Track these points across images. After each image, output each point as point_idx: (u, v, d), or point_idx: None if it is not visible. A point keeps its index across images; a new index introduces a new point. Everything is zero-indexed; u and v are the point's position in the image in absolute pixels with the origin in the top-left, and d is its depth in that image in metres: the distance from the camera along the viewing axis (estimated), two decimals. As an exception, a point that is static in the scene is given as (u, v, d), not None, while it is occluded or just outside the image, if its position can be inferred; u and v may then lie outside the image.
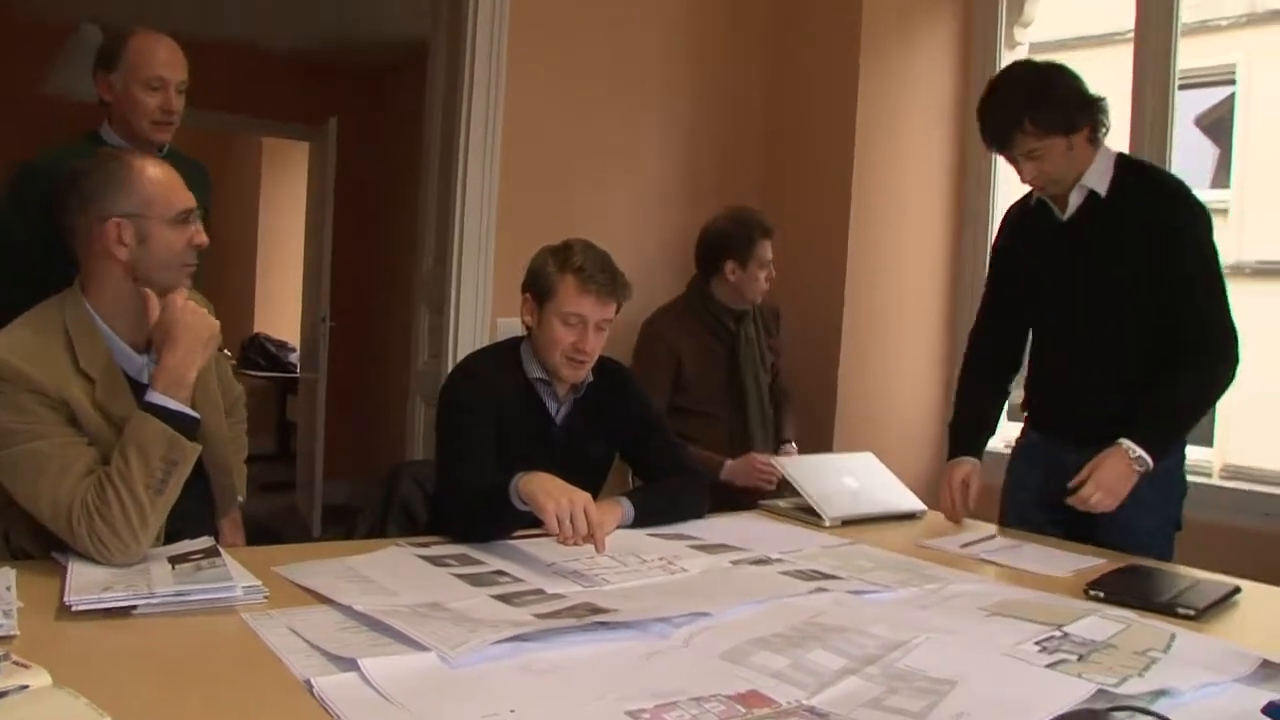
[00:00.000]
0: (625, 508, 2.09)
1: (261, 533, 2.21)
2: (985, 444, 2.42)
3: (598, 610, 1.47)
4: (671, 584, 1.70)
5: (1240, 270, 10.27)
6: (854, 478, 2.52)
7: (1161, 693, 1.22)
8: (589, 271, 2.12)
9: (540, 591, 1.60)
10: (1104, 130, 2.22)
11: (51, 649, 1.23)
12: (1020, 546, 2.14)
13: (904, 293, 3.62)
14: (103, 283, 1.74)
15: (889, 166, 3.60)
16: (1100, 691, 1.20)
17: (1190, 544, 2.26)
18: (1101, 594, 1.70)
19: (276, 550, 1.85)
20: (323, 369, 5.74)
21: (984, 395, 2.49)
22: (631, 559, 1.83)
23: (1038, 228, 2.35)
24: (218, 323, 1.79)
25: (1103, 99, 2.21)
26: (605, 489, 2.29)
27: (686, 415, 3.13)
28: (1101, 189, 2.22)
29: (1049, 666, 1.30)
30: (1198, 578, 1.85)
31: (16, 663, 1.14)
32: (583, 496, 1.76)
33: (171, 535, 1.70)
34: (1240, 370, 2.17)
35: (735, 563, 1.86)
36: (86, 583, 1.46)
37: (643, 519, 2.11)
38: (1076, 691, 1.21)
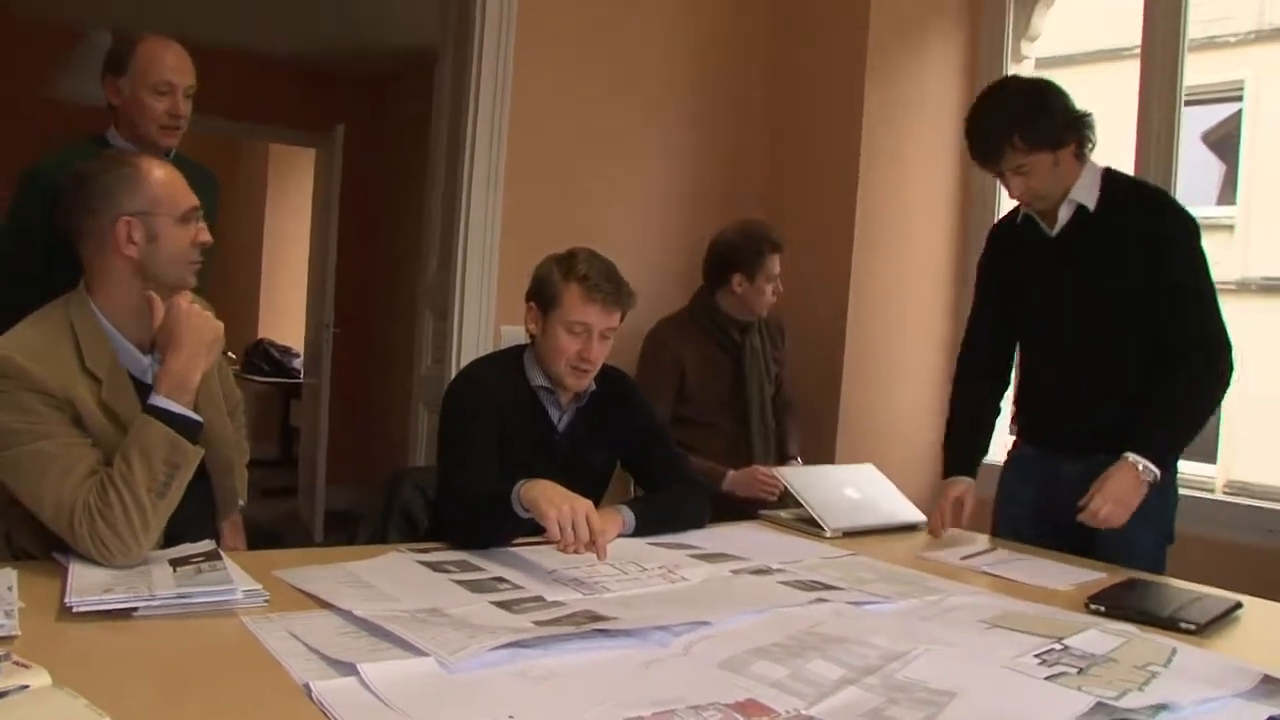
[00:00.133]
0: (626, 516, 2.10)
1: (263, 537, 2.22)
2: (979, 463, 2.42)
3: (597, 618, 1.47)
4: (671, 593, 1.70)
5: (1246, 286, 10.29)
6: (855, 489, 2.53)
7: (1162, 707, 1.22)
8: (594, 280, 2.12)
9: (540, 599, 1.60)
10: (1090, 146, 2.23)
11: (52, 650, 1.23)
12: (1021, 559, 2.14)
13: (907, 305, 3.62)
14: (110, 283, 1.75)
15: (894, 179, 3.61)
16: (1099, 705, 1.20)
17: (1192, 559, 2.26)
18: (1102, 608, 1.70)
19: (277, 554, 1.85)
20: (326, 375, 5.75)
21: (977, 413, 2.49)
22: (632, 567, 1.83)
23: (1026, 244, 2.35)
24: (222, 325, 1.79)
25: (1089, 115, 2.22)
26: (607, 498, 2.29)
27: (690, 425, 3.13)
28: (1090, 203, 2.23)
29: (1048, 679, 1.30)
30: (1199, 593, 1.85)
31: (17, 663, 1.14)
32: (584, 504, 1.76)
33: (172, 538, 1.70)
34: (1239, 380, 2.18)
35: (735, 572, 1.86)
36: (87, 584, 1.46)
37: (643, 528, 2.11)
38: (1076, 705, 1.21)
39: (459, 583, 1.68)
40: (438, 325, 3.59)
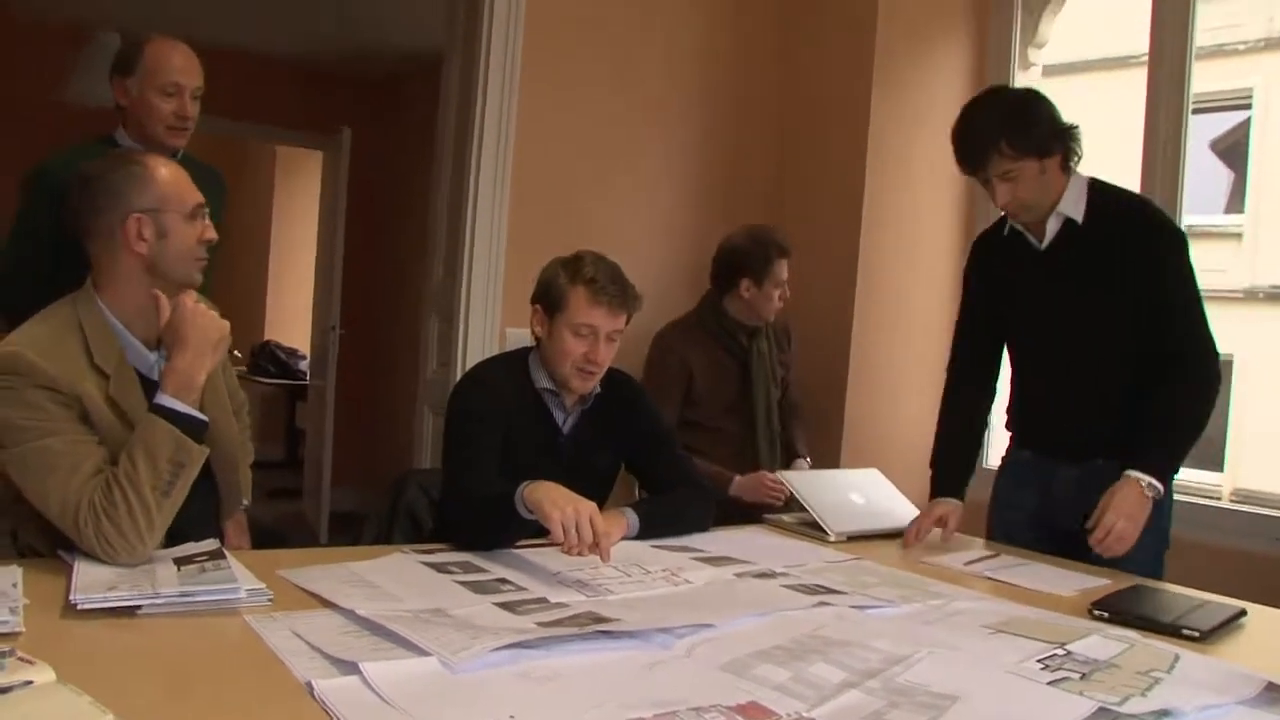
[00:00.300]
0: (630, 519, 2.10)
1: (267, 537, 2.22)
2: (967, 484, 2.41)
3: (600, 619, 1.47)
4: (675, 595, 1.70)
5: (1254, 295, 10.27)
6: (859, 493, 2.53)
7: (1164, 713, 1.22)
8: (600, 283, 2.13)
9: (543, 600, 1.60)
10: (1077, 158, 2.23)
11: (56, 646, 1.23)
12: (1024, 565, 2.13)
13: (913, 311, 3.63)
14: (118, 280, 1.76)
15: (900, 186, 3.61)
16: (1102, 710, 1.20)
17: (1197, 567, 2.25)
18: (1106, 614, 1.70)
19: (281, 554, 1.86)
20: (332, 377, 5.76)
21: (965, 432, 2.48)
22: (635, 570, 1.83)
23: (1014, 257, 2.34)
24: (228, 324, 1.80)
25: (1076, 127, 2.22)
26: (612, 501, 2.29)
27: (696, 429, 3.13)
28: (1078, 216, 2.23)
29: (1051, 684, 1.30)
30: (1203, 599, 1.84)
31: (21, 659, 1.15)
32: (588, 506, 1.76)
33: (177, 536, 1.70)
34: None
35: (739, 575, 1.86)
36: (92, 582, 1.47)
37: (647, 530, 2.11)
38: (1078, 709, 1.20)
39: (462, 584, 1.68)
40: (443, 328, 3.60)
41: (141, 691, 1.16)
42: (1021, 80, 3.60)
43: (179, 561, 1.60)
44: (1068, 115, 2.23)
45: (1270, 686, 1.32)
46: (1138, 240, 2.18)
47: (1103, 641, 1.51)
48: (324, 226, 6.17)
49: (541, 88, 3.41)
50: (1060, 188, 2.23)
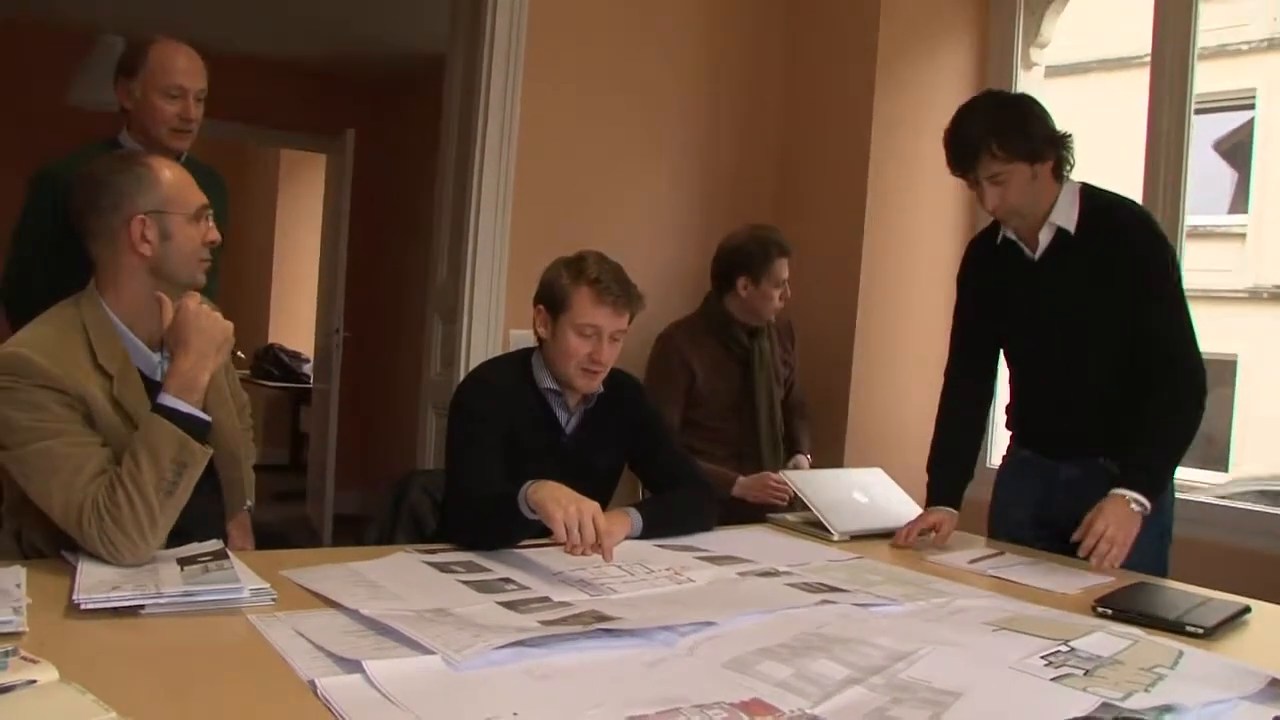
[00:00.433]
0: (633, 518, 2.10)
1: (271, 539, 2.22)
2: (964, 491, 2.40)
3: (603, 618, 1.47)
4: (678, 594, 1.70)
5: (1258, 294, 10.25)
6: (863, 492, 2.52)
7: (1167, 709, 1.21)
8: (604, 283, 2.13)
9: (546, 599, 1.60)
10: (1069, 167, 2.22)
11: (59, 646, 1.24)
12: (1028, 563, 2.13)
13: (916, 310, 3.62)
14: (122, 281, 1.76)
15: (902, 185, 3.61)
16: (1105, 705, 1.20)
17: (1201, 564, 2.24)
18: (1110, 611, 1.69)
19: (284, 554, 1.86)
20: (336, 379, 5.76)
21: (964, 438, 2.46)
22: (639, 569, 1.83)
23: (1007, 266, 2.33)
24: (231, 325, 1.80)
25: (1069, 136, 2.21)
26: (615, 500, 2.29)
27: (699, 429, 3.13)
28: (1070, 226, 2.22)
29: (1054, 680, 1.30)
30: (1207, 597, 1.84)
31: (24, 658, 1.15)
32: (591, 505, 1.76)
33: (180, 535, 1.70)
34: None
35: (742, 574, 1.86)
36: (95, 582, 1.47)
37: (650, 530, 2.11)
38: (1081, 705, 1.20)
39: (465, 583, 1.68)
40: (447, 330, 3.60)
41: (144, 690, 1.16)
42: (1024, 79, 3.60)
43: (182, 561, 1.60)
44: (1070, 115, 2.23)
45: (1274, 682, 1.31)
46: (1126, 251, 2.17)
47: (1106, 638, 1.50)
48: (327, 229, 6.18)
49: (544, 89, 3.41)
50: (1051, 197, 2.22)
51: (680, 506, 2.24)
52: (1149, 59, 3.15)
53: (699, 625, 1.46)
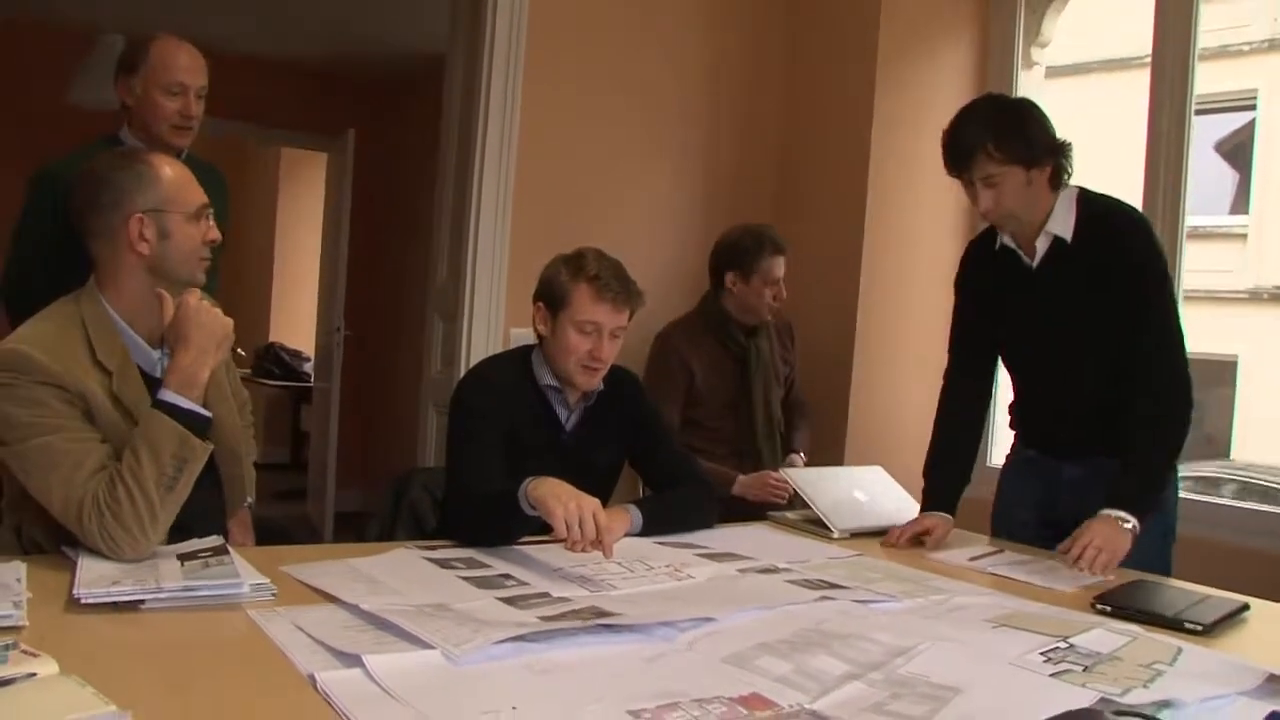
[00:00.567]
0: (634, 515, 2.10)
1: (272, 537, 2.22)
2: (959, 496, 2.38)
3: (603, 613, 1.47)
4: (677, 590, 1.70)
5: (1258, 295, 10.25)
6: (863, 491, 2.53)
7: (1165, 704, 1.22)
8: (604, 279, 2.13)
9: (546, 595, 1.60)
10: (1067, 176, 2.20)
11: (59, 640, 1.24)
12: (1028, 561, 2.13)
13: (916, 309, 3.62)
14: (121, 279, 1.76)
15: (903, 185, 3.61)
16: (1103, 700, 1.20)
17: (1202, 563, 2.24)
18: (1109, 608, 1.70)
19: (284, 550, 1.86)
20: (336, 378, 5.77)
21: (961, 443, 2.45)
22: (639, 565, 1.83)
23: (1005, 273, 2.32)
24: (231, 322, 1.80)
25: (1069, 145, 2.19)
26: (616, 498, 2.29)
27: (699, 429, 3.14)
28: (1066, 234, 2.20)
29: (1053, 676, 1.30)
30: (1206, 594, 1.84)
31: (24, 651, 1.15)
32: (591, 502, 1.76)
33: (181, 531, 1.70)
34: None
35: (742, 571, 1.86)
36: (95, 577, 1.47)
37: (651, 527, 2.11)
38: (1080, 700, 1.20)
39: (465, 579, 1.68)
40: (447, 328, 3.60)
41: (144, 683, 1.16)
42: (1025, 79, 3.60)
43: (182, 557, 1.60)
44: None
45: (1272, 678, 1.31)
46: (1122, 258, 2.16)
47: (1105, 635, 1.50)
48: (328, 228, 6.18)
49: (544, 88, 3.42)
50: (1047, 205, 2.20)
51: (680, 504, 2.24)
52: (1149, 59, 3.15)
53: (698, 621, 1.47)
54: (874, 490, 2.56)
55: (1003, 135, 2.12)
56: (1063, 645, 1.43)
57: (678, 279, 3.57)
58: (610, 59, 3.58)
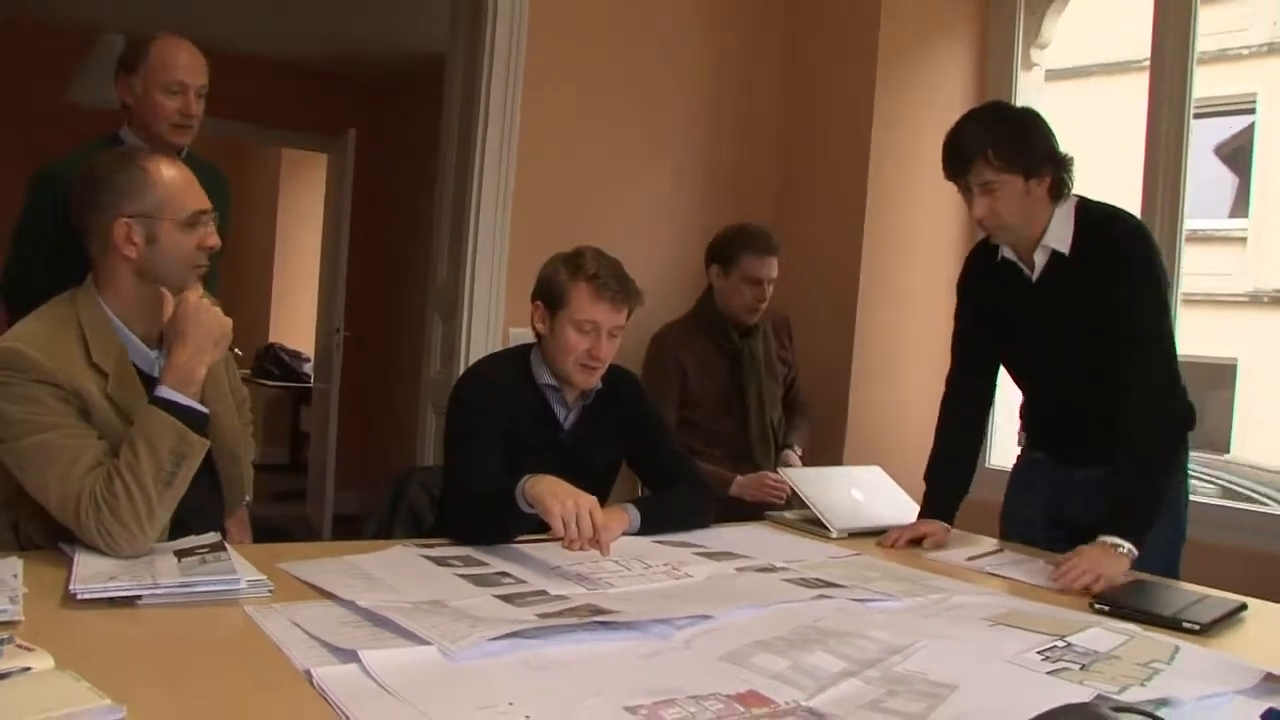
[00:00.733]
0: (631, 514, 2.10)
1: (270, 534, 2.22)
2: (959, 504, 2.37)
3: (600, 611, 1.47)
4: (675, 588, 1.70)
5: (1258, 299, 10.27)
6: (861, 490, 2.53)
7: (1163, 702, 1.22)
8: (603, 279, 2.13)
9: (544, 593, 1.60)
10: (1067, 190, 2.16)
11: (55, 635, 1.23)
12: (1027, 561, 2.13)
13: (916, 309, 3.63)
14: (115, 280, 1.76)
15: (902, 185, 3.61)
16: (1100, 698, 1.20)
17: (1206, 566, 2.23)
18: (1107, 608, 1.70)
19: (282, 547, 1.86)
20: (336, 379, 5.77)
21: (964, 447, 2.43)
22: (636, 564, 1.83)
23: (1006, 285, 2.29)
24: (230, 322, 1.80)
25: (1070, 158, 2.16)
26: (614, 498, 2.29)
27: (697, 430, 3.13)
28: (1064, 248, 2.17)
29: (1050, 674, 1.30)
30: (1204, 594, 1.84)
31: (20, 646, 1.15)
32: (589, 500, 1.76)
33: (179, 529, 1.71)
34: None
35: (740, 570, 1.86)
36: (92, 573, 1.47)
37: (648, 526, 2.11)
38: (1077, 698, 1.19)
39: (462, 576, 1.68)
40: (446, 329, 3.60)
41: (140, 679, 1.16)
42: (1024, 80, 3.60)
43: (179, 553, 1.60)
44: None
45: (1269, 677, 1.31)
46: (1115, 271, 2.12)
47: (1103, 634, 1.50)
48: (328, 228, 6.19)
49: (544, 89, 3.42)
50: (1044, 218, 2.17)
51: (678, 503, 2.24)
52: (1149, 63, 3.15)
53: (695, 619, 1.46)
54: (872, 490, 2.56)
55: (1003, 142, 2.10)
56: (1060, 644, 1.43)
57: (677, 279, 3.57)
58: (610, 59, 3.58)
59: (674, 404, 3.10)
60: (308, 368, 7.20)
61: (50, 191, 2.27)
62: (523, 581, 1.67)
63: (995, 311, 2.35)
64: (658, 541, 2.06)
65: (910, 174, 3.60)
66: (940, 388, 2.49)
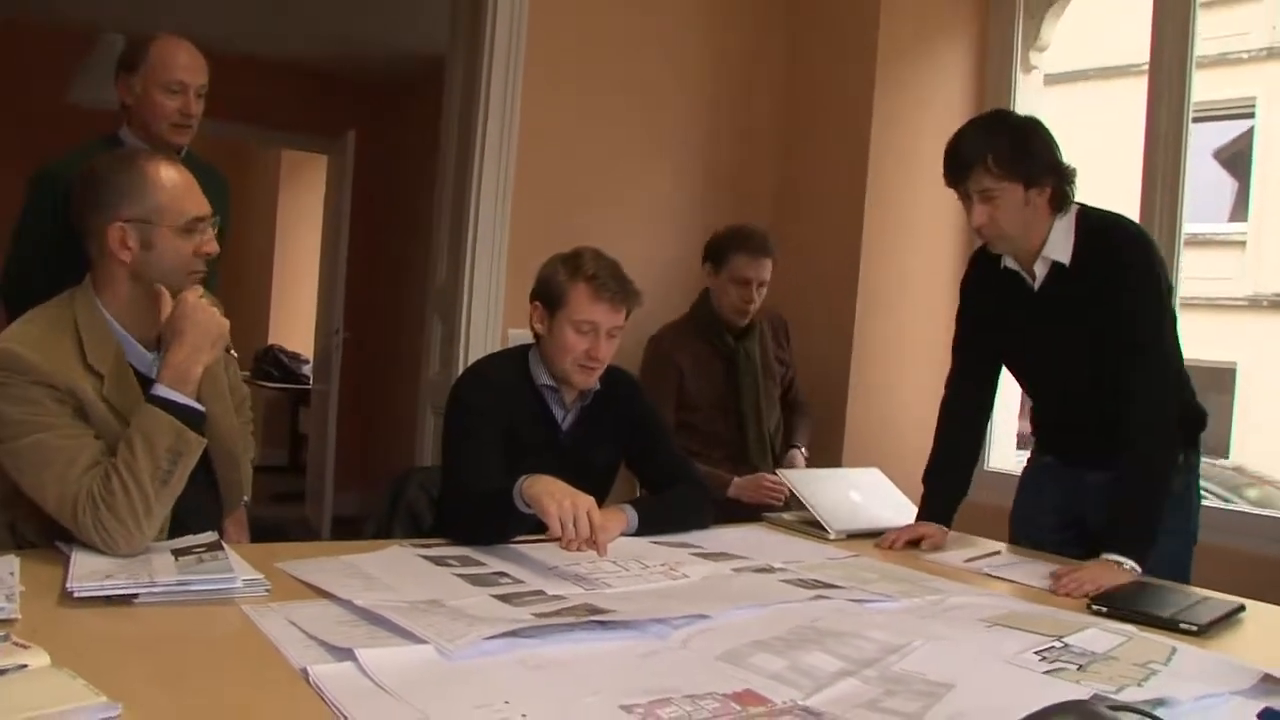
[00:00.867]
0: (629, 515, 2.10)
1: (268, 535, 2.22)
2: (957, 507, 2.36)
3: (597, 611, 1.47)
4: (672, 589, 1.70)
5: (1258, 302, 10.28)
6: (860, 492, 2.53)
7: (1160, 702, 1.21)
8: (601, 279, 2.13)
9: (541, 593, 1.60)
10: (1068, 202, 2.15)
11: (52, 633, 1.23)
12: (1025, 563, 2.13)
13: (915, 310, 3.63)
14: (111, 282, 1.75)
15: (901, 188, 3.61)
16: (1097, 697, 1.20)
17: (1212, 570, 2.22)
18: (1105, 609, 1.69)
19: (279, 547, 1.86)
20: (335, 381, 5.77)
21: (961, 455, 2.42)
22: (633, 564, 1.83)
23: (1008, 293, 2.28)
24: (227, 322, 1.80)
25: (1073, 169, 2.14)
26: (613, 499, 2.29)
27: (695, 432, 3.13)
28: (1065, 259, 2.15)
29: (1047, 674, 1.30)
30: (1202, 595, 1.84)
31: (16, 643, 1.15)
32: (586, 500, 1.76)
33: (177, 530, 1.70)
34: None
35: (737, 570, 1.86)
36: (89, 571, 1.47)
37: (646, 527, 2.11)
38: (1074, 697, 1.19)
39: (460, 576, 1.68)
40: (445, 330, 3.60)
41: (136, 676, 1.16)
42: (1023, 82, 3.61)
43: (176, 552, 1.60)
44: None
45: (1266, 678, 1.31)
46: (1116, 280, 2.11)
47: (1101, 635, 1.50)
48: (328, 230, 6.19)
49: (544, 89, 3.42)
50: (1044, 229, 2.15)
51: (676, 504, 2.24)
52: (1148, 67, 3.15)
53: (693, 618, 1.46)
54: (870, 492, 2.56)
55: (1003, 150, 2.08)
56: (1058, 645, 1.43)
57: (677, 280, 3.57)
58: (609, 60, 3.58)
59: (671, 406, 3.09)
60: (307, 369, 7.19)
61: (50, 191, 2.27)
62: (520, 581, 1.67)
63: (997, 320, 2.34)
64: (655, 542, 2.06)
65: (909, 175, 3.60)
66: (939, 390, 2.49)
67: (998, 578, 2.00)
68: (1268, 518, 2.89)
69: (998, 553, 2.24)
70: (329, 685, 1.14)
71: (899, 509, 2.49)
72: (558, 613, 1.46)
